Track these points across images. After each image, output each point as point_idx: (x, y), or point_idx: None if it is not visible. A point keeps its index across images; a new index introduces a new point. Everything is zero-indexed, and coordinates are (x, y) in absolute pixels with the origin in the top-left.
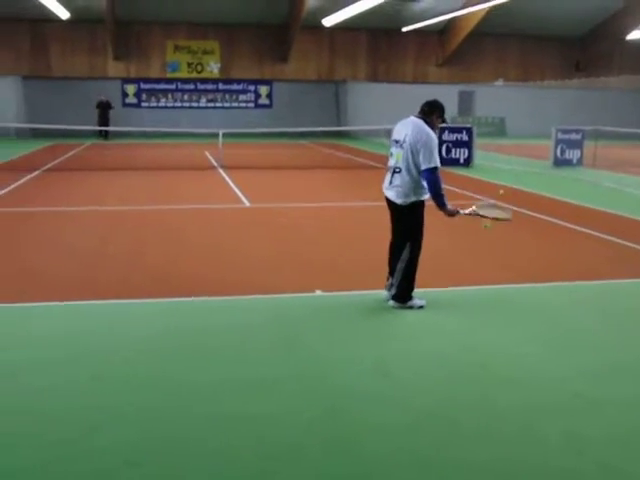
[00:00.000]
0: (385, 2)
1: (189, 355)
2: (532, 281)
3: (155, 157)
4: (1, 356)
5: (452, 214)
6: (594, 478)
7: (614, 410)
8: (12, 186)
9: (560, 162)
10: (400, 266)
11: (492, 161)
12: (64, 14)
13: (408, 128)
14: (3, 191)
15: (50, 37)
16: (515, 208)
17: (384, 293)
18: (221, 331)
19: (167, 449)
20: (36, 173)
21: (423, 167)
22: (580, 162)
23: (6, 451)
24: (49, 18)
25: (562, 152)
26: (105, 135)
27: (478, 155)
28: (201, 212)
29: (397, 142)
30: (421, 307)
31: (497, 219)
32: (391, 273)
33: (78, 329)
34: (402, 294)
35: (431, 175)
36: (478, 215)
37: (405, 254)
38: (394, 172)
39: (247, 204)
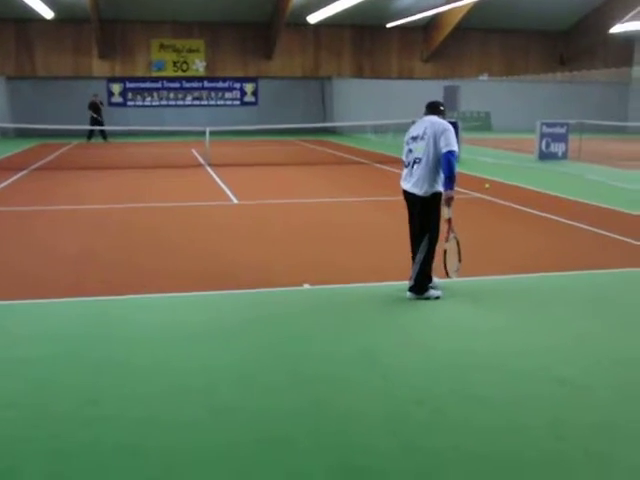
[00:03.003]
0: None
1: (188, 346)
2: (520, 272)
3: (142, 156)
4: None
5: (449, 202)
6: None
7: (601, 396)
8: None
9: (545, 156)
10: (418, 258)
11: (477, 155)
12: (48, 14)
13: (427, 124)
14: None
15: (35, 37)
16: (501, 202)
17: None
18: (211, 326)
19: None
20: (24, 172)
21: (444, 150)
22: (565, 155)
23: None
24: (33, 18)
25: (547, 146)
26: (104, 136)
27: (464, 149)
28: (189, 210)
29: (415, 138)
30: (437, 298)
31: (445, 251)
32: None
33: (71, 326)
34: (419, 285)
35: (451, 156)
36: (448, 226)
37: (423, 246)
38: (414, 163)
39: (235, 201)
